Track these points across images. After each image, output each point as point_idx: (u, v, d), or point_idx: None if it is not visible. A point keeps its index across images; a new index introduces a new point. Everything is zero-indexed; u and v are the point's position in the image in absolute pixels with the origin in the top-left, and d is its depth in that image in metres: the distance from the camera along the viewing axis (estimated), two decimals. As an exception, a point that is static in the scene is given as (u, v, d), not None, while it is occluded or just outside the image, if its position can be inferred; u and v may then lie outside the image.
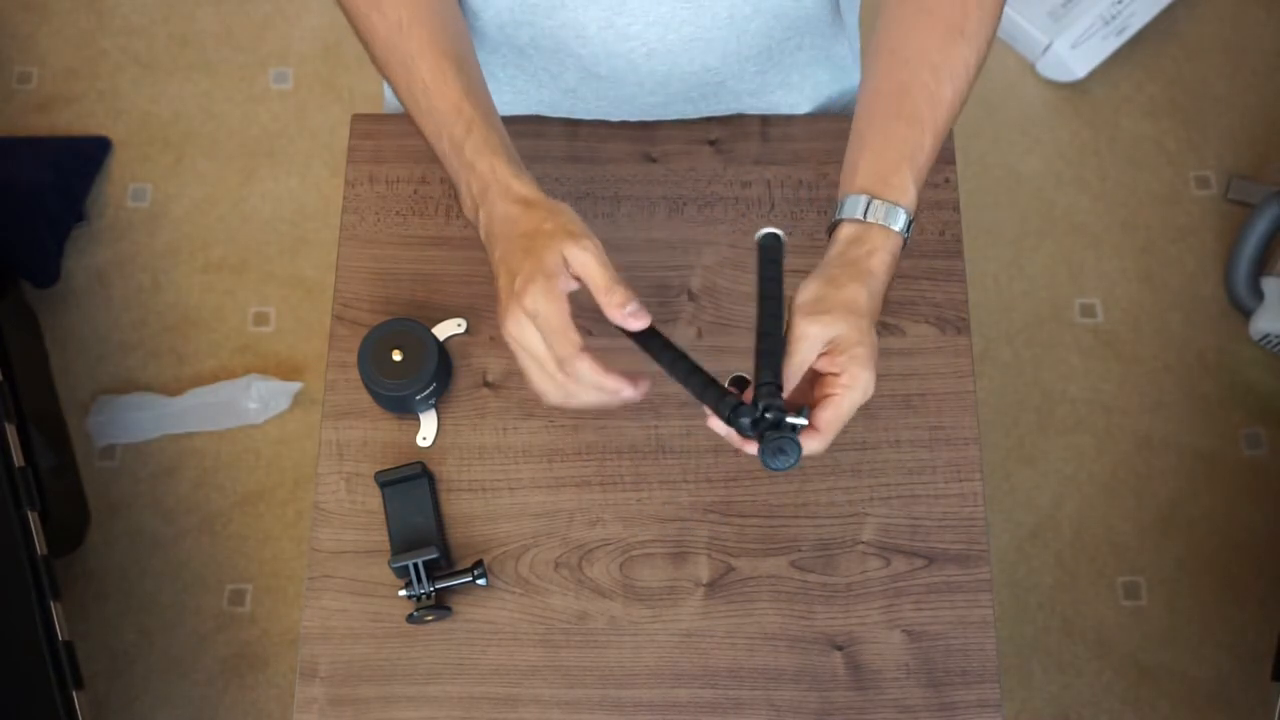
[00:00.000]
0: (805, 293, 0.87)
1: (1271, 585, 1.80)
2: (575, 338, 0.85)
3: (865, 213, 0.89)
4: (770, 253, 0.89)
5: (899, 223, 0.89)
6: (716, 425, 0.86)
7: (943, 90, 0.92)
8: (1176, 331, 1.92)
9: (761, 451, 0.83)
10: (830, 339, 0.86)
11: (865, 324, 0.86)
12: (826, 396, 0.86)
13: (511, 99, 1.17)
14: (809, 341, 0.86)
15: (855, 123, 0.95)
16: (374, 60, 1.01)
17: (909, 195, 0.90)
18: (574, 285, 0.87)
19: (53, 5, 2.10)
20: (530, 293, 0.84)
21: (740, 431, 0.84)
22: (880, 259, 0.89)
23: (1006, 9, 2.00)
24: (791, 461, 0.82)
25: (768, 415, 0.82)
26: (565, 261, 0.86)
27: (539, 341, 0.86)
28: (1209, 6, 2.10)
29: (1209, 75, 2.07)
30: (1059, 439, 1.87)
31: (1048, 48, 2.01)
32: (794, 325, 0.86)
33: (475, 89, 0.94)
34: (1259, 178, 2.00)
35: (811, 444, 0.85)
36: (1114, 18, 2.01)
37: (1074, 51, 2.00)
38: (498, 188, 0.90)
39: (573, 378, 0.86)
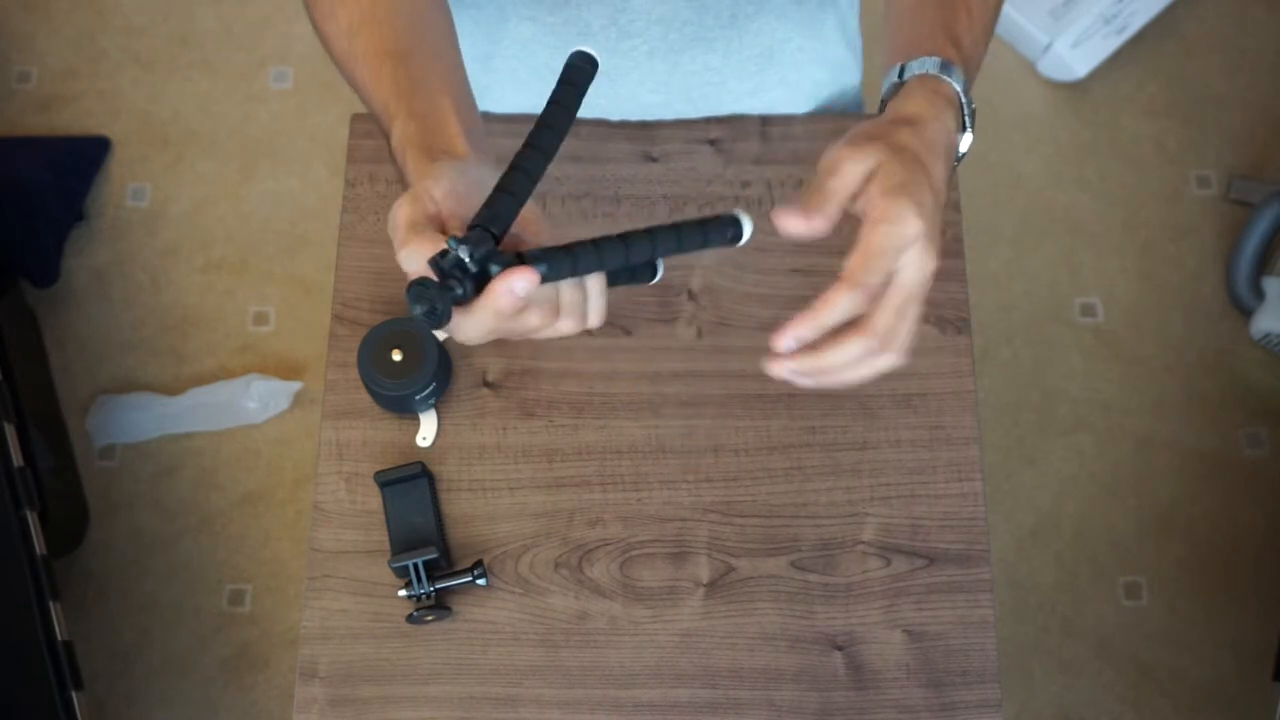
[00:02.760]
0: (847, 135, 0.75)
1: (1271, 585, 1.80)
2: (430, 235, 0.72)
3: (901, 75, 0.78)
4: (574, 73, 0.74)
5: (945, 72, 0.77)
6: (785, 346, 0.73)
7: None
8: (1177, 331, 1.92)
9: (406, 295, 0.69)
10: (869, 169, 0.72)
11: (917, 167, 0.72)
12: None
13: (514, 96, 1.17)
14: (844, 172, 0.72)
15: (885, 20, 0.87)
16: (338, 69, 0.95)
17: (948, 52, 0.79)
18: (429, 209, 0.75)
19: (53, 5, 2.10)
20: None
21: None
22: (918, 103, 0.76)
23: (1007, 8, 2.01)
24: (437, 319, 0.68)
25: (468, 263, 0.69)
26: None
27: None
28: (1210, 5, 2.10)
29: (1210, 74, 2.07)
30: (1059, 439, 1.87)
31: (1048, 47, 2.01)
32: (830, 151, 0.73)
33: (415, 81, 0.85)
34: (1260, 177, 1.99)
35: (839, 296, 0.71)
36: (1114, 17, 2.00)
37: (1074, 51, 2.00)
38: (415, 151, 0.80)
39: (402, 255, 0.73)
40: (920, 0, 0.85)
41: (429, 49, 0.89)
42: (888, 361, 0.74)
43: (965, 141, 0.81)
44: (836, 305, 0.71)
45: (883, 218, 0.71)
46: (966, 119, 0.80)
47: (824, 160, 0.74)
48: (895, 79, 0.80)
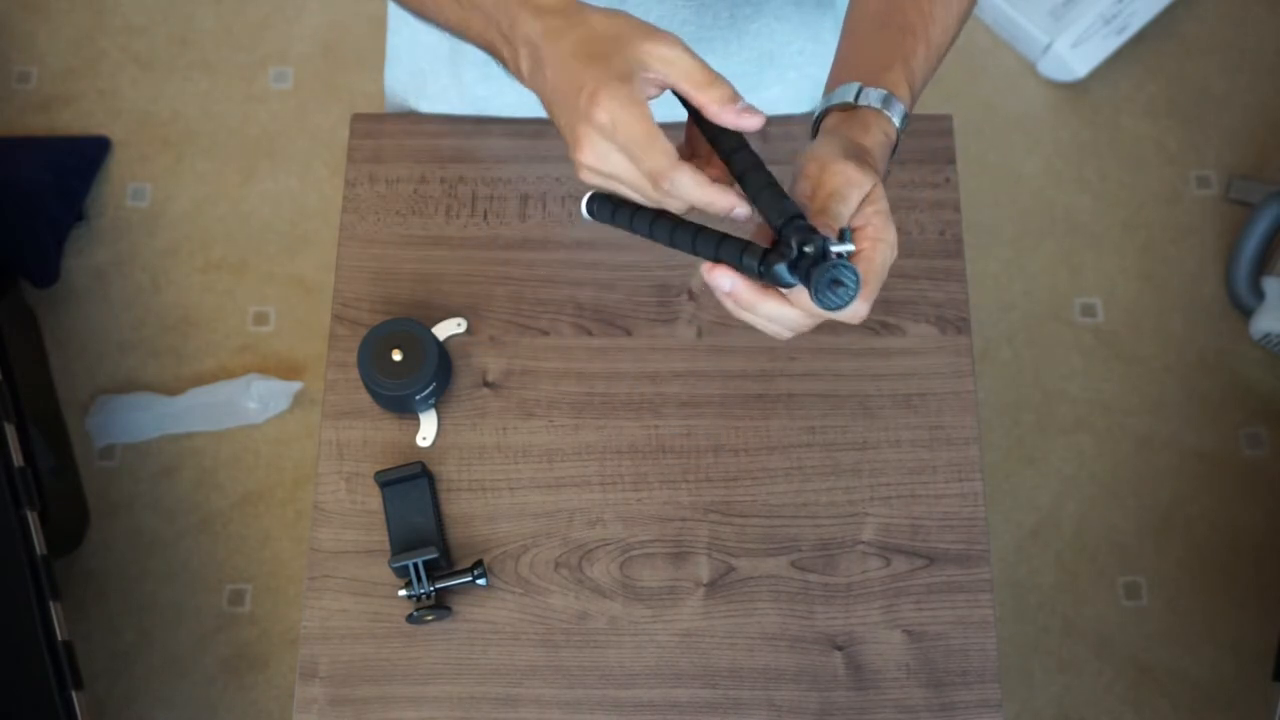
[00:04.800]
0: (825, 145, 0.77)
1: (1271, 585, 1.80)
2: (667, 145, 0.71)
3: (856, 97, 0.80)
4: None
5: (895, 114, 0.80)
6: (720, 280, 0.73)
7: (935, 8, 0.86)
8: (1177, 331, 1.92)
9: (815, 288, 0.70)
10: (866, 193, 0.75)
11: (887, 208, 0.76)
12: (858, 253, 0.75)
13: (515, 100, 1.17)
14: (856, 187, 0.74)
15: (842, 35, 0.88)
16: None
17: (903, 90, 0.81)
18: (654, 92, 0.73)
19: (53, 5, 2.10)
20: (601, 103, 0.70)
21: (778, 280, 0.71)
22: (875, 138, 0.78)
23: (1007, 8, 2.01)
24: (852, 294, 0.70)
25: (807, 250, 0.70)
26: (641, 64, 0.72)
27: (626, 164, 0.72)
28: (1210, 6, 2.10)
29: (1210, 75, 2.07)
30: (1059, 439, 1.87)
31: (1048, 47, 2.00)
32: (835, 166, 0.75)
33: None
34: (1259, 177, 1.99)
35: (857, 308, 0.73)
36: (1114, 17, 2.00)
37: (1074, 51, 2.00)
38: (525, 11, 0.75)
39: (674, 194, 0.72)
40: (880, 21, 0.86)
41: None
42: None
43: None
44: (852, 315, 0.74)
45: (882, 238, 0.74)
46: (900, 128, 0.82)
47: (829, 176, 0.75)
48: (850, 99, 0.81)
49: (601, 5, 1.03)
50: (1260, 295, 1.88)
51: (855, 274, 0.70)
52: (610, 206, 0.77)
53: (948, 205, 1.14)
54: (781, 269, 0.70)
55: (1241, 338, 1.91)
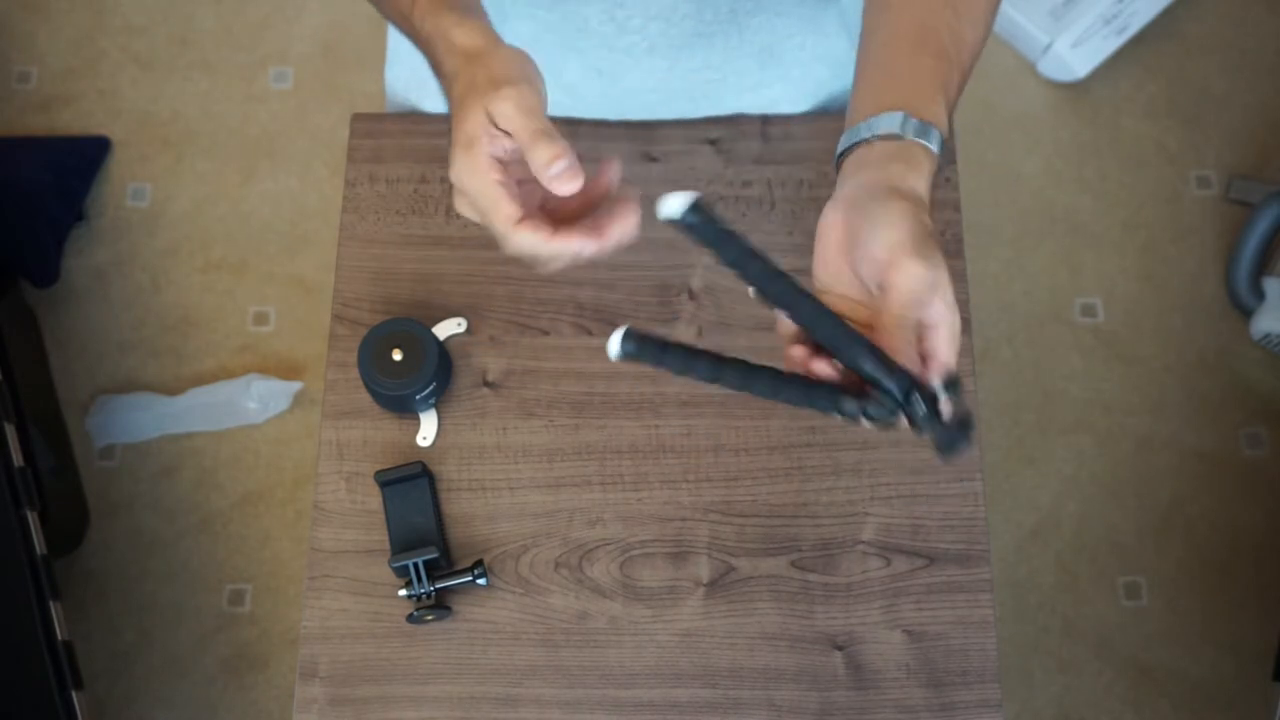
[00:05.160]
0: (893, 231, 0.72)
1: (1271, 585, 1.80)
2: (509, 210, 0.73)
3: (903, 128, 0.76)
4: (709, 227, 0.74)
5: (935, 144, 0.77)
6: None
7: (964, 31, 0.84)
8: (1177, 331, 1.92)
9: (942, 451, 0.71)
10: (932, 284, 0.71)
11: (945, 280, 0.72)
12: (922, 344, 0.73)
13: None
14: (929, 289, 0.71)
15: (868, 57, 0.84)
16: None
17: (943, 123, 0.78)
18: (504, 145, 0.74)
19: (53, 5, 2.10)
20: (454, 168, 0.74)
21: (879, 422, 0.71)
22: (925, 178, 0.76)
23: (1007, 8, 2.01)
24: (968, 445, 0.71)
25: (916, 405, 0.70)
26: (491, 119, 0.74)
27: (482, 219, 0.76)
28: (1210, 6, 2.10)
29: (1210, 75, 2.07)
30: (1059, 439, 1.87)
31: (1048, 47, 2.01)
32: (907, 267, 0.71)
33: None
34: (1260, 177, 1.99)
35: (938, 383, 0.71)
36: (1115, 17, 2.00)
37: (1074, 51, 2.00)
38: (443, 45, 0.78)
39: (517, 256, 0.75)
40: (919, 42, 0.82)
41: None
42: None
43: None
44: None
45: (941, 320, 0.72)
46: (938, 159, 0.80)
47: (901, 277, 0.71)
48: (896, 130, 0.77)
49: (600, 0, 1.04)
50: (1260, 295, 1.88)
51: (968, 428, 0.70)
52: (652, 344, 0.73)
53: (948, 205, 1.14)
54: (893, 417, 0.70)
55: (1241, 338, 1.91)
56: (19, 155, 1.96)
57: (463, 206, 0.77)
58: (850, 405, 0.70)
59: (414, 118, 1.19)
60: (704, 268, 1.12)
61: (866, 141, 0.78)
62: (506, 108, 0.73)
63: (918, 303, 0.71)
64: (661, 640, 1.03)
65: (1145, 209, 1.99)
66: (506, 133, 0.74)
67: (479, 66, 0.75)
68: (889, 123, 0.77)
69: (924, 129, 0.77)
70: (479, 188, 0.74)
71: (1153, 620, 1.79)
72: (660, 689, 1.02)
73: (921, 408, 0.70)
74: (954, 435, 0.70)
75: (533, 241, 0.74)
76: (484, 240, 1.13)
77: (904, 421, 0.71)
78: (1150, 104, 2.05)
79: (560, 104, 1.17)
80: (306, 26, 2.08)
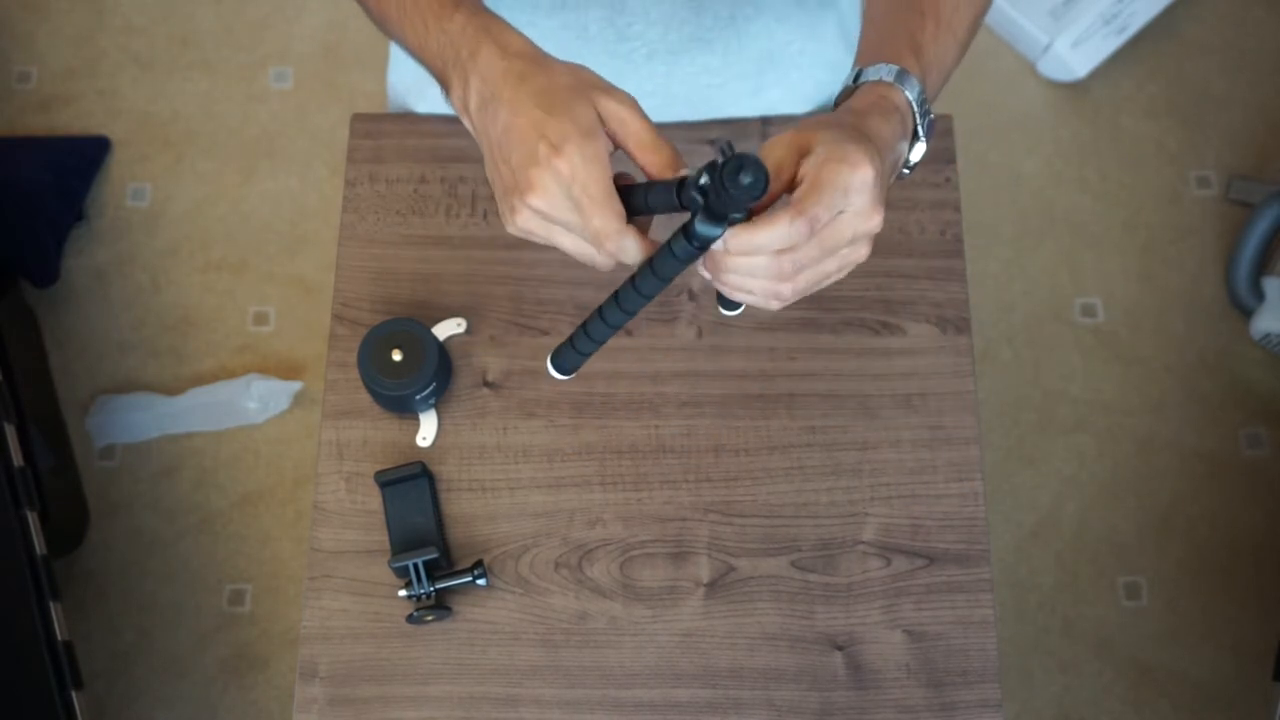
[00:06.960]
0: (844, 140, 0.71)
1: (1271, 585, 1.80)
2: (619, 207, 0.72)
3: (856, 79, 0.78)
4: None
5: (905, 85, 0.77)
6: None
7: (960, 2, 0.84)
8: (1177, 331, 1.92)
9: (723, 181, 0.66)
10: (818, 143, 0.70)
11: (867, 145, 0.71)
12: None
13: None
14: (785, 143, 0.71)
15: (861, 31, 0.87)
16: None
17: (909, 62, 0.79)
18: (611, 147, 0.74)
19: (53, 5, 2.10)
20: (566, 153, 0.71)
21: (691, 202, 0.69)
22: (867, 99, 0.76)
23: (1007, 8, 2.01)
24: (759, 187, 0.65)
25: (718, 162, 0.66)
26: (600, 119, 0.73)
27: (573, 216, 0.73)
28: (1209, 6, 2.10)
29: (1209, 75, 2.07)
30: (1059, 439, 1.87)
31: (1048, 47, 2.00)
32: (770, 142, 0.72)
33: None
34: (1260, 177, 1.99)
35: (781, 220, 0.68)
36: (1114, 17, 2.00)
37: (1074, 51, 2.00)
38: (493, 47, 0.76)
39: (618, 257, 0.74)
40: (890, 6, 0.85)
41: None
42: (781, 295, 0.72)
43: (917, 151, 0.81)
44: (775, 228, 0.69)
45: (837, 158, 0.69)
46: (920, 128, 0.79)
47: (780, 141, 0.72)
48: (850, 83, 0.79)
49: (603, 4, 1.04)
50: (1260, 295, 1.88)
51: (761, 166, 0.65)
52: (569, 348, 0.80)
53: (948, 205, 1.14)
54: (695, 195, 0.68)
55: (1241, 338, 1.91)
56: (19, 155, 1.96)
57: (549, 197, 0.72)
58: (666, 194, 0.70)
59: (414, 118, 1.19)
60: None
61: (849, 92, 0.79)
62: (622, 110, 0.73)
63: (829, 199, 0.69)
64: (661, 640, 1.03)
65: (1145, 209, 1.99)
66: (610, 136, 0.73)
67: (559, 69, 0.74)
68: (841, 87, 0.80)
69: (875, 70, 0.78)
70: (595, 177, 0.71)
71: (1153, 620, 1.79)
72: (660, 689, 1.02)
73: (704, 178, 0.67)
74: (734, 170, 0.66)
75: (638, 247, 0.73)
76: (484, 240, 1.13)
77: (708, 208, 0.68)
78: (1150, 104, 2.05)
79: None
80: (306, 26, 2.08)
